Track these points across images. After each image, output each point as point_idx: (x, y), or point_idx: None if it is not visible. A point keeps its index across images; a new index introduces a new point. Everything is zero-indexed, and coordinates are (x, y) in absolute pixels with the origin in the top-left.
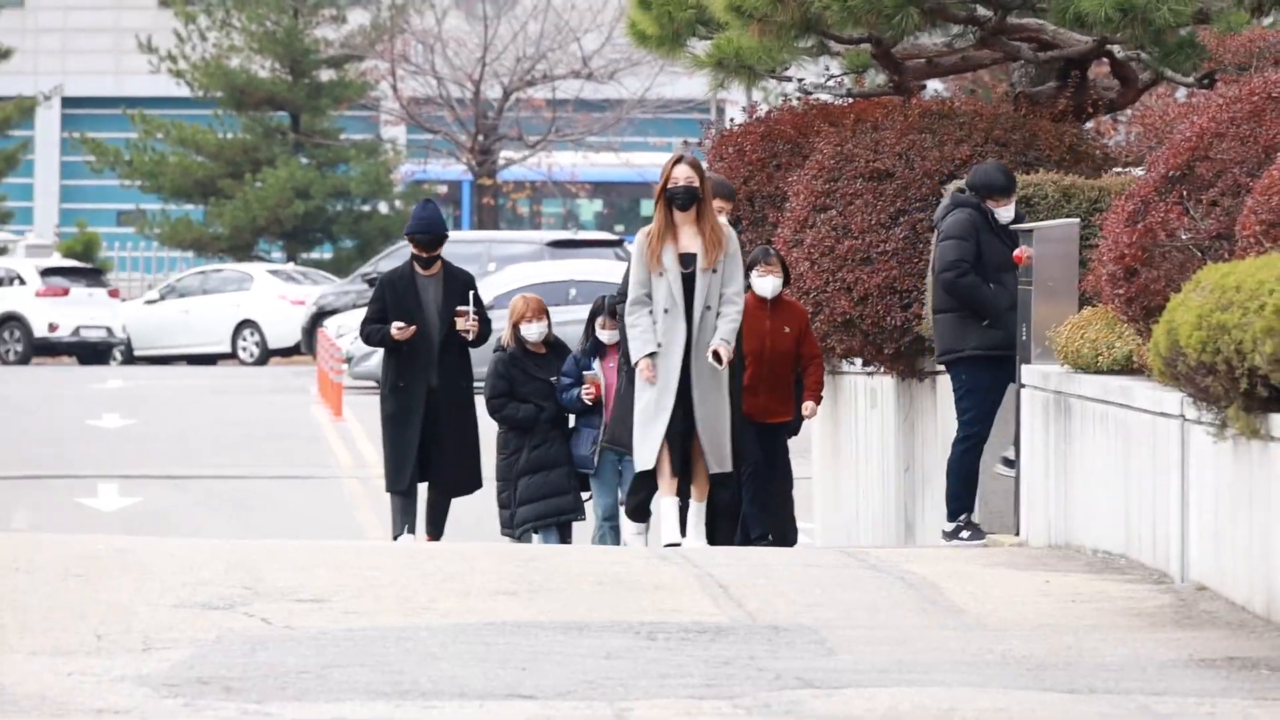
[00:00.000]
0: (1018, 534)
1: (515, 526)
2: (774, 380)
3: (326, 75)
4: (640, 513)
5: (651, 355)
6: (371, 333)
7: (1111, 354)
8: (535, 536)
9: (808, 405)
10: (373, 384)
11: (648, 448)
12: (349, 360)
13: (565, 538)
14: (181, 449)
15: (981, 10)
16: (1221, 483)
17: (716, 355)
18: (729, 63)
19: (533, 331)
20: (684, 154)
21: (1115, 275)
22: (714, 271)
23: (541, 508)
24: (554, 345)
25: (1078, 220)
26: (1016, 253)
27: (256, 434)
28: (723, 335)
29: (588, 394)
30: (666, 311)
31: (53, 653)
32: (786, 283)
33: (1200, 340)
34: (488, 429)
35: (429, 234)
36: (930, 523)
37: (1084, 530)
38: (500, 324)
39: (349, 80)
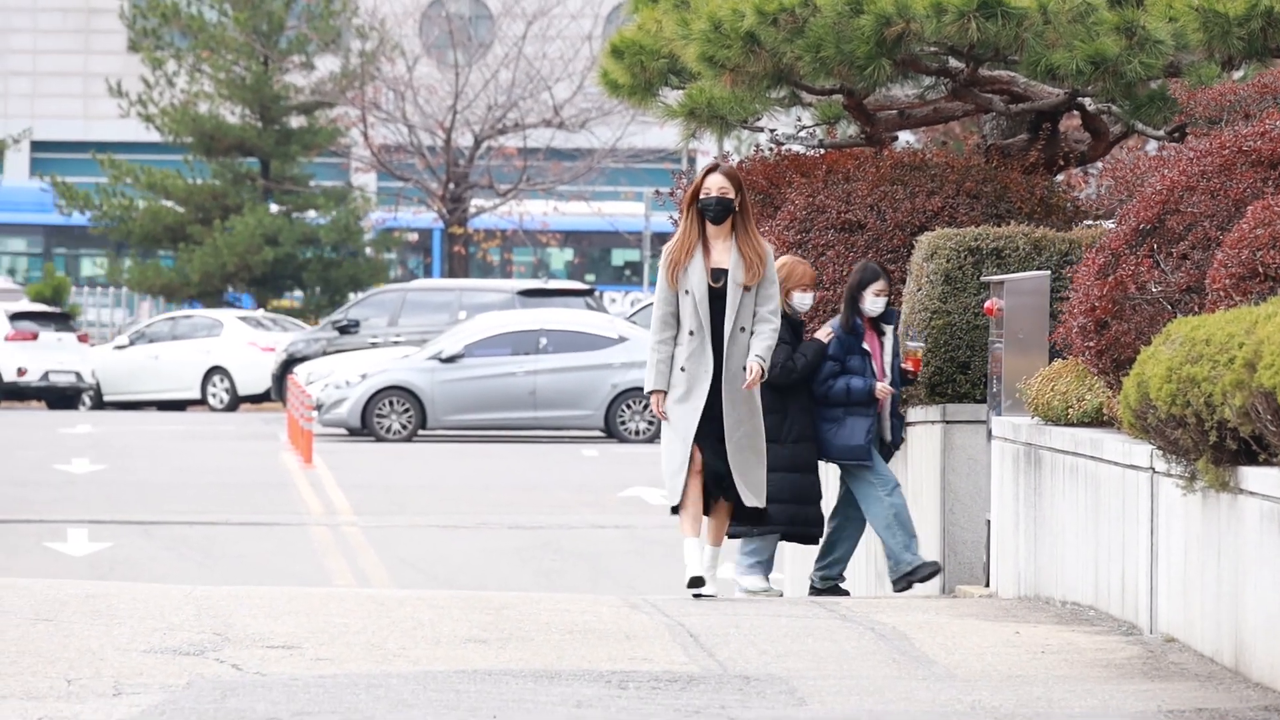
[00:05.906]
0: (987, 585)
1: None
2: None
3: (296, 121)
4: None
5: (663, 391)
6: None
7: (1082, 406)
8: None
9: None
10: (342, 431)
11: (675, 482)
12: (319, 407)
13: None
14: (151, 495)
15: (953, 62)
16: (1190, 535)
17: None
18: (701, 112)
19: (807, 301)
20: (719, 162)
21: (1086, 328)
22: (748, 290)
23: (793, 511)
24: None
25: (1048, 273)
26: (988, 304)
27: (226, 480)
28: (757, 352)
29: (884, 390)
30: (692, 334)
31: (23, 696)
32: None
33: (1170, 393)
34: None
35: None
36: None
37: (1053, 581)
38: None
39: (319, 127)
